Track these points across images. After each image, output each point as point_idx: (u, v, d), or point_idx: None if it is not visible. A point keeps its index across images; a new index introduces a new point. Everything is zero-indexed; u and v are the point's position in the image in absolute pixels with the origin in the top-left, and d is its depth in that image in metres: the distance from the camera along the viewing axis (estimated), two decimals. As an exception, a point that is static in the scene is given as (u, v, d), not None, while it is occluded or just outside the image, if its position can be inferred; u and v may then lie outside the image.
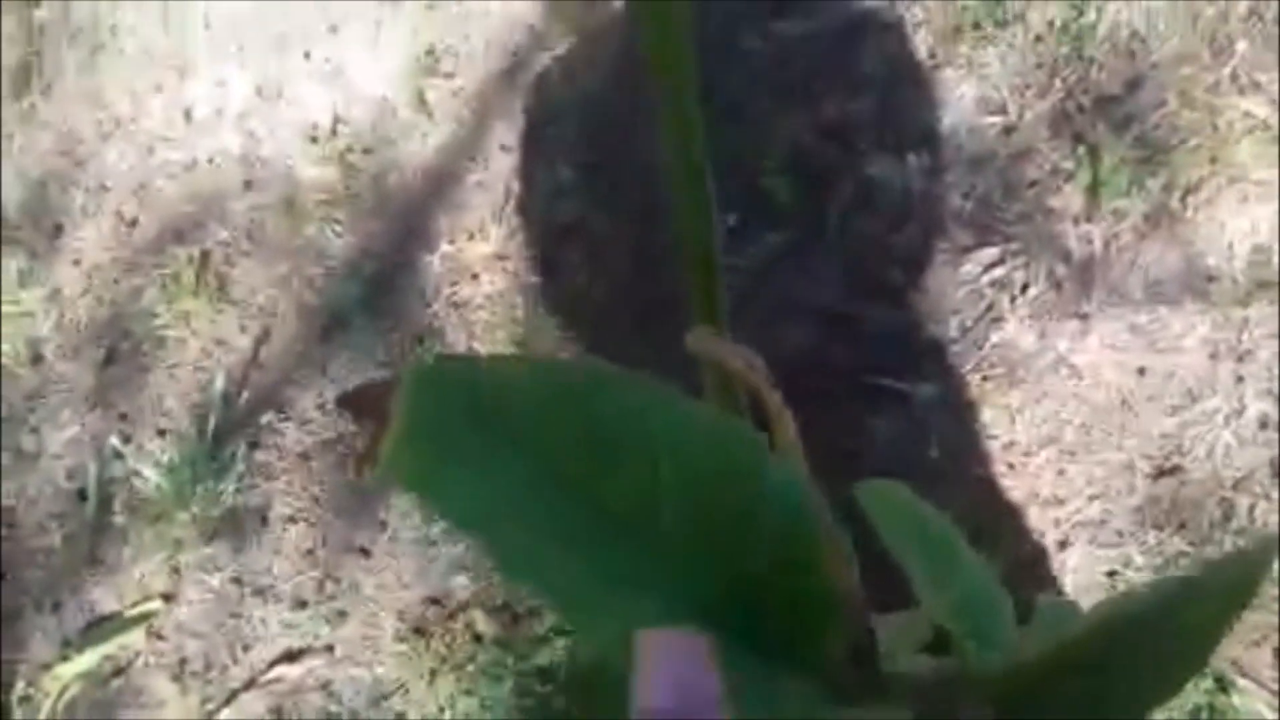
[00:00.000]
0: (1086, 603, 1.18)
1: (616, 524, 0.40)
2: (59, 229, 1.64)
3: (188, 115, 1.67)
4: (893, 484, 0.55)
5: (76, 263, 1.61)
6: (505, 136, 1.48)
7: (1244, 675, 1.06)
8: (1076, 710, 0.41)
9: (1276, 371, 1.13)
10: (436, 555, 1.31)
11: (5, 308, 1.60)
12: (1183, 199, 1.18)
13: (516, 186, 1.45)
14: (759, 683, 0.40)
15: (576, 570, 0.39)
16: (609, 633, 0.39)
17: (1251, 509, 1.11)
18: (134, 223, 1.61)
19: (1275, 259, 1.15)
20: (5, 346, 1.58)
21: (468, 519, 0.38)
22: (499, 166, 1.47)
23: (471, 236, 1.43)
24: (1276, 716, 1.05)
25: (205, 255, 1.55)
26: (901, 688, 0.45)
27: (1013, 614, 0.52)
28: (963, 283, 1.24)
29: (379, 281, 1.46)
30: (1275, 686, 1.06)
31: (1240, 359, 1.14)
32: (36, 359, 1.56)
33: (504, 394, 0.38)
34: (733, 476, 0.39)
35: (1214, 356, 1.15)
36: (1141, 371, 1.16)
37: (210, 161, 1.62)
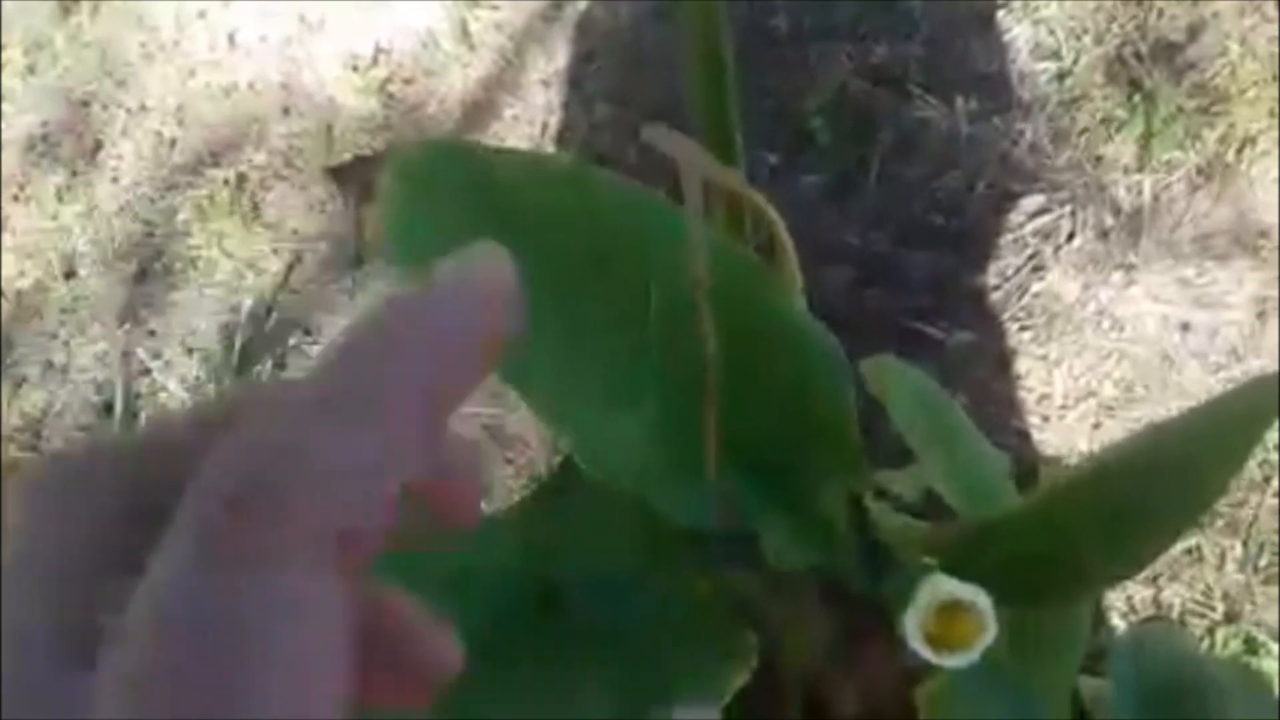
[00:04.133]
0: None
1: (607, 329, 0.38)
2: (98, 146, 1.64)
3: (231, 40, 1.66)
4: (899, 361, 0.52)
5: (114, 180, 1.61)
6: (545, 71, 1.46)
7: (1273, 638, 1.03)
8: (1072, 562, 0.39)
9: (1327, 333, 1.10)
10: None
11: (42, 223, 1.61)
12: (1238, 152, 1.14)
13: (553, 121, 1.43)
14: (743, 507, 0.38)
15: (563, 375, 0.37)
16: (593, 442, 0.37)
17: (1293, 472, 1.08)
18: (172, 144, 1.61)
19: (1332, 216, 1.11)
20: (40, 261, 1.58)
21: None
22: (537, 100, 1.45)
23: (507, 167, 1.42)
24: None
25: (241, 178, 1.54)
26: (893, 540, 0.43)
27: (1013, 486, 0.50)
28: (1006, 230, 1.21)
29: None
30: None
31: (1289, 318, 1.11)
32: (70, 274, 1.57)
33: (498, 180, 0.37)
34: (729, 295, 0.37)
35: (1261, 315, 1.12)
36: (1185, 327, 1.13)
37: (251, 87, 1.62)
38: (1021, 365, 1.17)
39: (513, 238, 0.41)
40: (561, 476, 0.39)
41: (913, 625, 0.33)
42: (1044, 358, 1.17)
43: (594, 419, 0.38)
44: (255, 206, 1.51)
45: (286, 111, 1.57)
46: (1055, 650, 0.44)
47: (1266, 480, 1.08)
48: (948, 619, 0.37)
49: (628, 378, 0.39)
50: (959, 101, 1.25)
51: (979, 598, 0.33)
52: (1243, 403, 0.34)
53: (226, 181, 1.53)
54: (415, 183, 0.36)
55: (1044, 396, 1.16)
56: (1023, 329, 1.18)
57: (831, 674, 0.53)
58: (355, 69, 1.56)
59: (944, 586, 0.33)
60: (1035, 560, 0.39)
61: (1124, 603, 1.06)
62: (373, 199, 0.35)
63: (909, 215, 1.24)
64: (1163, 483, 0.37)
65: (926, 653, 0.33)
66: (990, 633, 0.33)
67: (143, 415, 1.43)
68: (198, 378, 1.43)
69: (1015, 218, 1.20)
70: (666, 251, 0.39)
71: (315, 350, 1.40)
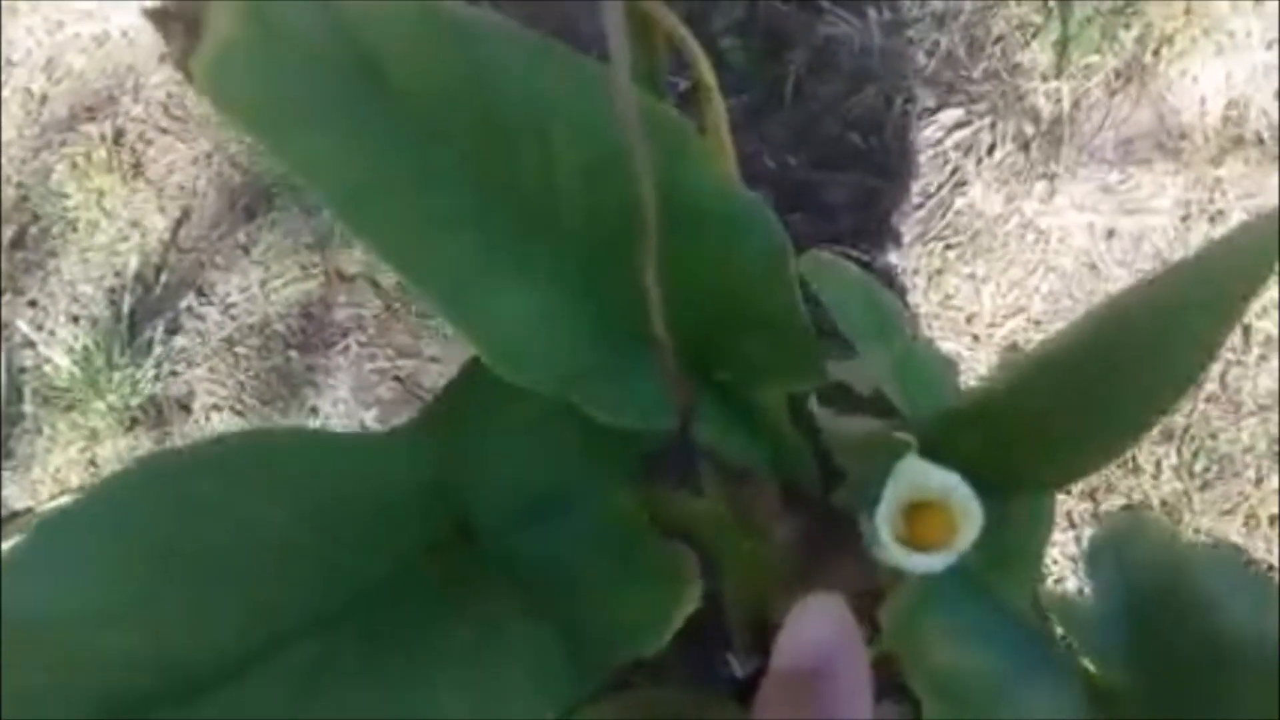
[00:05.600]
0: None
1: (512, 208, 0.33)
2: (-40, 106, 1.52)
3: (99, -13, 1.55)
4: (838, 258, 0.48)
5: (-20, 143, 1.50)
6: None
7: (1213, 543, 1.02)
8: (1044, 448, 0.35)
9: (1250, 233, 1.08)
10: (371, 442, 1.23)
11: (-97, 192, 1.49)
12: (1155, 53, 1.12)
13: None
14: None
15: (466, 265, 0.32)
16: (504, 338, 0.32)
17: (1223, 375, 1.07)
18: (43, 100, 1.50)
19: (1250, 114, 1.09)
20: (-96, 233, 1.47)
21: (311, 172, 0.30)
22: None
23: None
24: None
25: (119, 133, 1.44)
26: (841, 446, 0.39)
27: (956, 382, 0.46)
28: (926, 146, 1.17)
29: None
30: None
31: (1212, 220, 1.09)
32: (-62, 245, 1.46)
33: (367, 36, 0.31)
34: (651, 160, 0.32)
35: (1186, 218, 1.10)
36: (1111, 234, 1.11)
37: (124, 35, 1.51)
38: (949, 284, 1.14)
39: (389, 106, 0.35)
40: (467, 383, 0.33)
41: (884, 518, 0.28)
42: (971, 276, 1.14)
43: (506, 313, 0.33)
44: (136, 162, 1.41)
45: (163, 60, 1.47)
46: (1020, 554, 0.40)
47: (1198, 385, 1.07)
48: (917, 521, 0.32)
49: (545, 262, 0.34)
50: (871, 14, 1.21)
51: (957, 486, 0.29)
52: (1235, 251, 0.30)
53: (103, 137, 1.43)
54: (260, 32, 0.30)
55: (973, 315, 1.13)
56: (948, 247, 1.15)
57: (785, 602, 0.49)
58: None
59: (920, 469, 0.29)
60: (1002, 450, 0.35)
61: (1063, 517, 1.05)
62: (200, 42, 0.29)
63: (827, 136, 1.20)
64: (1144, 350, 0.33)
65: (899, 554, 0.28)
66: (974, 525, 0.29)
67: (28, 391, 1.33)
68: (85, 348, 1.33)
69: (934, 133, 1.17)
70: (576, 111, 0.33)
71: (209, 311, 1.32)
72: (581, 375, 0.32)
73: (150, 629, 0.30)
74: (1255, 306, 1.08)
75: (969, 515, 0.29)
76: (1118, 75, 1.13)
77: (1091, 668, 0.41)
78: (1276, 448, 1.03)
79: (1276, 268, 0.32)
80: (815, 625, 0.30)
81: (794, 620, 0.30)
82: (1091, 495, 1.05)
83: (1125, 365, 0.33)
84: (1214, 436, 1.05)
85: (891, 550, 0.29)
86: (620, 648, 0.35)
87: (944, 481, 0.29)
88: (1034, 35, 1.16)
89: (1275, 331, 1.07)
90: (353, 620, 0.34)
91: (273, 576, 0.33)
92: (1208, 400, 1.06)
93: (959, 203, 1.15)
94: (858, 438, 0.39)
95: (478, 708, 0.33)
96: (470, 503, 0.35)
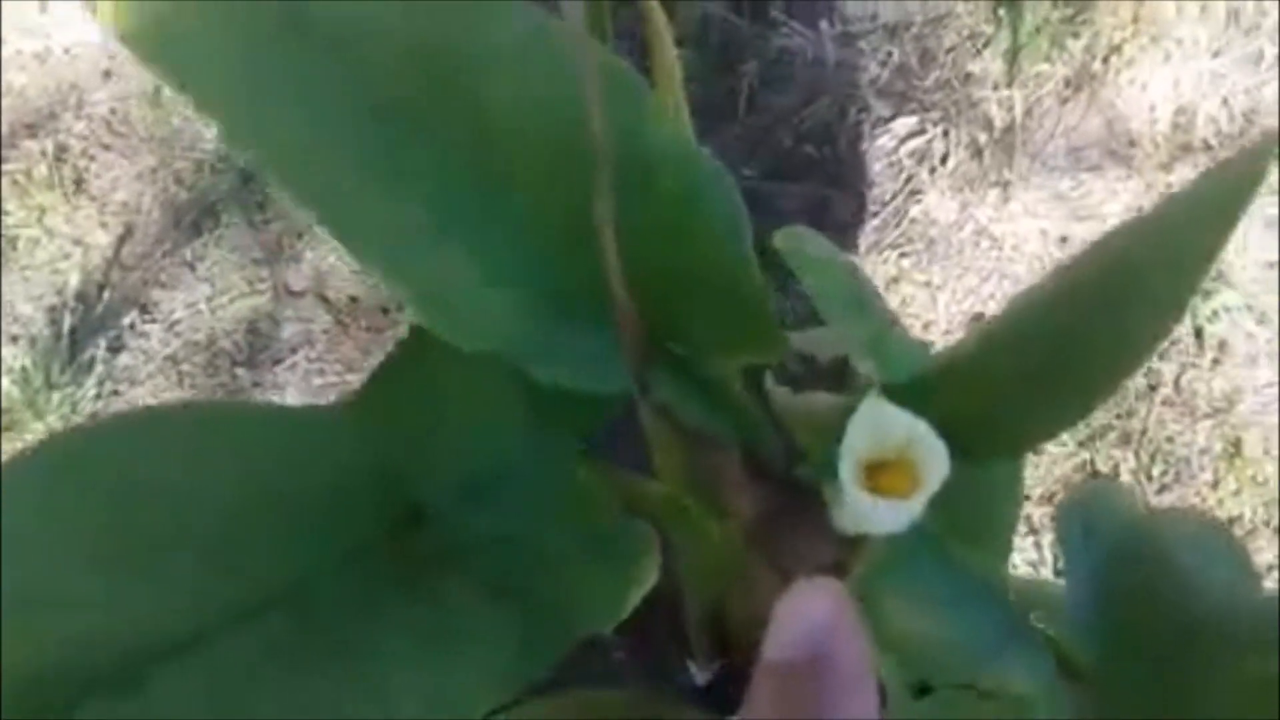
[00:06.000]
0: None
1: (453, 163, 0.31)
2: (-105, 123, 1.48)
3: (41, 3, 1.52)
4: (812, 231, 0.47)
5: (-85, 161, 1.46)
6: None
7: None
8: (1016, 409, 0.33)
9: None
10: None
11: None
12: (1105, 61, 1.13)
13: None
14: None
15: (404, 225, 0.30)
16: (447, 299, 0.30)
17: (1178, 378, 1.07)
18: (-19, 117, 1.46)
19: (1198, 121, 1.11)
20: None
21: (243, 132, 0.29)
22: None
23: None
24: None
25: (61, 149, 1.41)
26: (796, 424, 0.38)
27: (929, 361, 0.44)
28: (880, 155, 1.17)
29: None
30: None
31: (1164, 226, 1.10)
32: None
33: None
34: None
35: (1138, 224, 1.10)
36: (1064, 240, 1.11)
37: (67, 51, 1.48)
38: (904, 291, 1.14)
39: (332, 66, 0.34)
40: (410, 351, 0.32)
41: (847, 466, 0.27)
42: (926, 283, 1.14)
43: (454, 275, 0.31)
44: (78, 178, 1.38)
45: (107, 75, 1.44)
46: (989, 525, 0.39)
47: (1153, 389, 1.07)
48: (880, 479, 0.31)
49: (496, 222, 0.32)
50: (824, 26, 1.21)
51: (920, 430, 0.27)
52: (1197, 204, 0.30)
53: (44, 153, 1.39)
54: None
55: (929, 322, 1.13)
56: (903, 255, 1.14)
57: (747, 593, 0.47)
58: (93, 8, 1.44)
59: (882, 409, 0.27)
60: (969, 414, 0.34)
61: (1023, 523, 1.04)
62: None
63: (781, 147, 1.20)
64: (1106, 312, 0.32)
65: (863, 502, 0.27)
66: (939, 470, 0.27)
67: (-38, 412, 1.29)
68: (24, 368, 1.29)
69: (888, 142, 1.17)
70: (530, 65, 0.32)
71: (153, 329, 1.29)
72: (531, 337, 0.31)
73: (94, 610, 0.29)
74: (1206, 310, 1.08)
75: (933, 462, 0.27)
76: (1068, 83, 1.13)
77: (1062, 645, 0.40)
78: (1231, 450, 1.04)
79: (1238, 219, 0.31)
80: (811, 609, 0.27)
81: (787, 604, 0.27)
82: (1050, 499, 1.04)
83: (1087, 327, 0.32)
84: (1170, 440, 1.05)
85: (855, 499, 0.27)
86: (577, 624, 0.34)
87: (908, 424, 0.28)
88: (985, 45, 1.16)
89: (1228, 335, 1.07)
90: (303, 601, 0.32)
91: (221, 556, 0.31)
92: (1163, 404, 1.06)
93: (914, 211, 1.15)
94: (820, 412, 0.38)
95: (430, 688, 0.31)
96: (419, 477, 0.33)
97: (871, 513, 0.27)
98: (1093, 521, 0.39)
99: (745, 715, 0.28)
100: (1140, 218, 0.31)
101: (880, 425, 0.27)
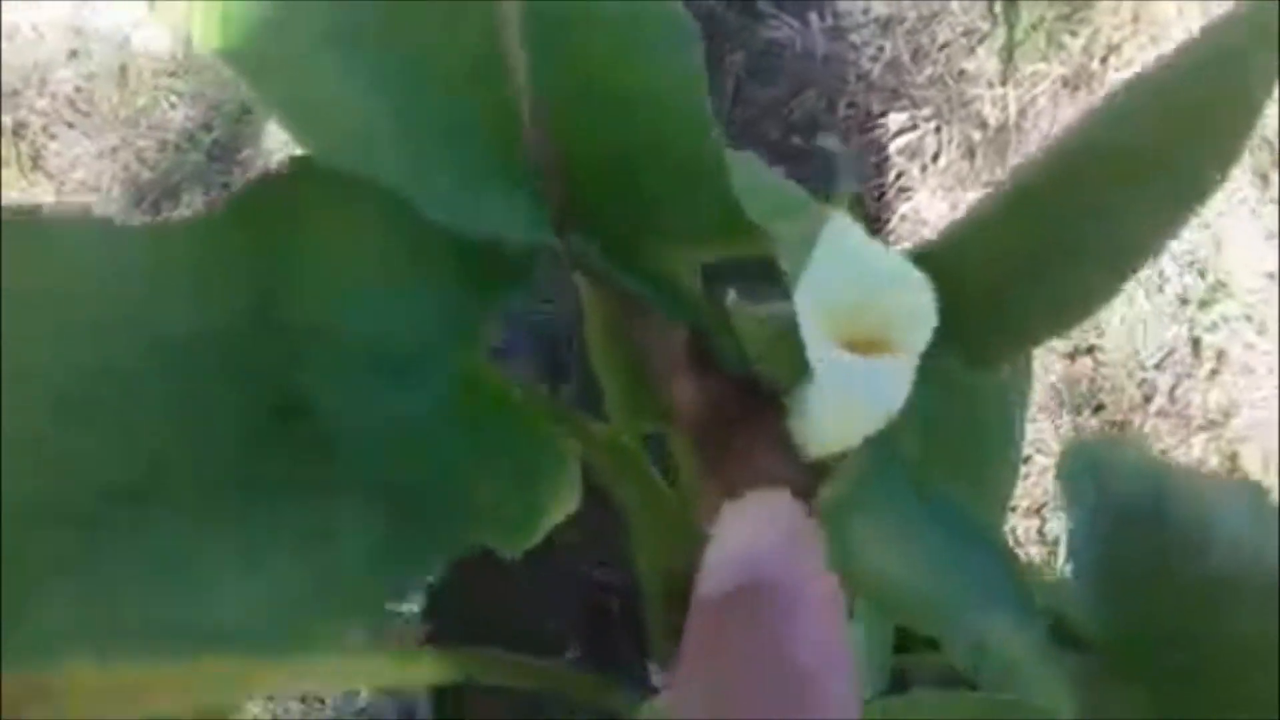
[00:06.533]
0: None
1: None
2: None
3: (10, -21, 1.47)
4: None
5: None
6: None
7: None
8: (1026, 286, 0.28)
9: (1198, 245, 1.05)
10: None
11: None
12: (1103, 61, 1.09)
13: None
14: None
15: (288, 24, 0.25)
16: (334, 112, 0.25)
17: (1173, 389, 1.02)
18: (-60, 92, 1.41)
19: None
20: None
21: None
22: None
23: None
24: None
25: (20, 125, 1.36)
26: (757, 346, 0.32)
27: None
28: (870, 152, 1.13)
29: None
30: None
31: (1162, 231, 1.05)
32: None
33: None
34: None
35: (1134, 230, 1.06)
36: (1058, 244, 1.07)
37: (34, 29, 1.43)
38: (890, 293, 1.09)
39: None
40: (287, 180, 0.26)
41: (806, 304, 0.21)
42: (913, 285, 1.09)
43: (352, 96, 0.26)
44: (36, 155, 1.33)
45: (73, 54, 1.39)
46: (981, 457, 0.34)
47: (1147, 400, 1.02)
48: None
49: (402, 39, 0.27)
50: (814, 19, 1.17)
51: (901, 266, 0.22)
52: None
53: (2, 129, 1.35)
54: None
55: (915, 325, 1.08)
56: (890, 255, 1.10)
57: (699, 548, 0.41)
58: (153, 7, 1.40)
59: (849, 228, 0.22)
60: (966, 303, 0.28)
61: (1009, 535, 0.99)
62: None
63: (768, 140, 1.15)
64: (1138, 166, 0.27)
65: (828, 354, 0.21)
66: (923, 325, 0.22)
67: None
68: (-32, 348, 1.24)
69: (879, 138, 1.13)
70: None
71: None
72: (426, 169, 0.25)
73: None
74: (1205, 320, 1.04)
75: (917, 312, 0.22)
76: (1064, 83, 1.10)
77: (1063, 611, 0.34)
78: (1228, 464, 0.99)
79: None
80: (755, 529, 0.22)
81: (725, 525, 0.22)
82: (1038, 512, 0.99)
83: (1117, 188, 0.27)
84: (1165, 452, 1.00)
85: (823, 358, 0.21)
86: (457, 539, 0.28)
87: (885, 257, 0.22)
88: (980, 42, 1.12)
89: (1226, 346, 1.03)
90: (168, 487, 0.26)
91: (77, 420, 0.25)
92: (1158, 415, 1.01)
93: (903, 208, 1.10)
94: (782, 319, 0.33)
95: (305, 583, 0.25)
96: (302, 351, 0.28)
97: (847, 379, 0.21)
98: (1104, 471, 0.34)
99: (681, 665, 0.22)
100: (1174, 51, 0.26)
101: (848, 244, 0.22)
